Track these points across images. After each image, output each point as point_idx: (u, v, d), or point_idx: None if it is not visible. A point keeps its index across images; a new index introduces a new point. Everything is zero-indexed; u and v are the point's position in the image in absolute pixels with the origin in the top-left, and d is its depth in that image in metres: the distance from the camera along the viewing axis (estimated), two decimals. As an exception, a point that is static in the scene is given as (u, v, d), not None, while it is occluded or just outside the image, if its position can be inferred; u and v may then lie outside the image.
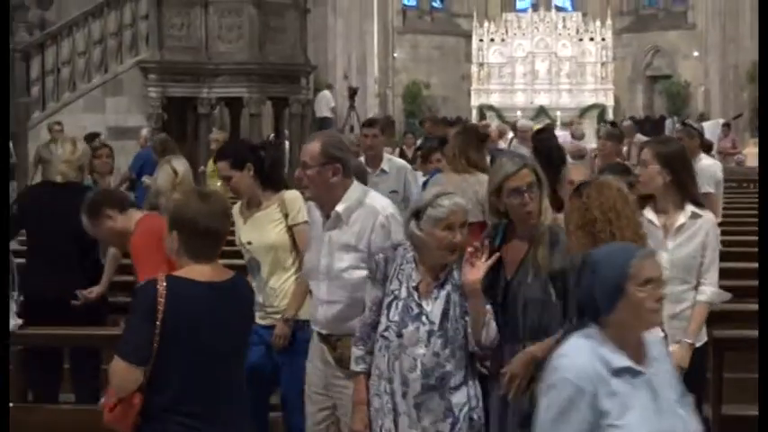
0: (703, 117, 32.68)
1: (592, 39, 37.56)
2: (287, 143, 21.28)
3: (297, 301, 6.52)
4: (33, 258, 7.63)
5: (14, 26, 20.01)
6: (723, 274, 6.36)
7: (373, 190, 6.09)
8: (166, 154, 11.52)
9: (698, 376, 6.03)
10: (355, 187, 5.77)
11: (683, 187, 6.04)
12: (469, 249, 4.95)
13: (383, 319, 5.21)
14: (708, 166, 9.97)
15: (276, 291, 6.62)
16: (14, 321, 6.88)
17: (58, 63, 19.42)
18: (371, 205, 5.71)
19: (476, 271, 4.93)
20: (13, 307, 6.92)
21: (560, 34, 37.69)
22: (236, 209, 6.70)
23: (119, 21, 19.44)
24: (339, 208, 5.68)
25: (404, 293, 5.17)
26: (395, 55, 38.42)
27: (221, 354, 4.46)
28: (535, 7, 39.45)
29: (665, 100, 37.63)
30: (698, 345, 6.08)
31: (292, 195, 6.77)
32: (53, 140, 16.44)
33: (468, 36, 38.65)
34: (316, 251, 5.84)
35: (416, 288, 5.15)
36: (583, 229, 4.61)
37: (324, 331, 5.81)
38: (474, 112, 36.82)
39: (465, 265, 4.96)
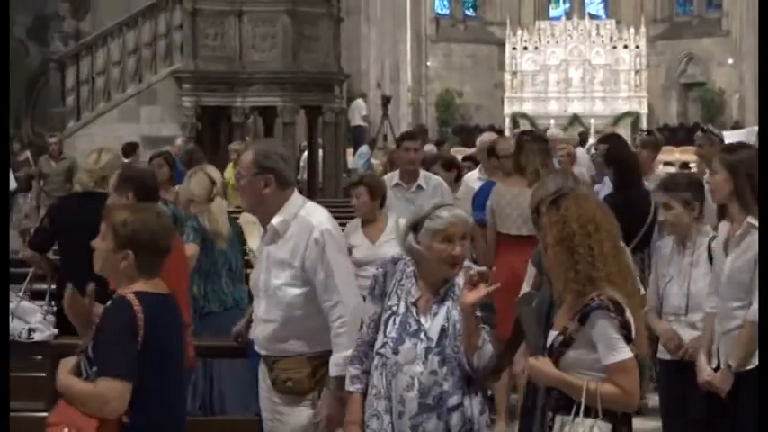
0: (738, 125, 32.55)
1: (625, 46, 37.52)
2: (320, 152, 21.29)
3: None
4: (65, 269, 7.67)
5: (50, 36, 20.18)
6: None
7: (311, 202, 5.76)
8: (193, 164, 11.50)
9: (747, 403, 5.61)
10: (294, 199, 5.53)
11: (741, 196, 5.76)
12: (472, 272, 4.77)
13: (380, 336, 5.00)
14: None
15: None
16: (50, 331, 6.92)
17: (93, 73, 19.50)
18: (307, 219, 5.46)
19: (475, 293, 4.71)
20: (50, 318, 6.96)
21: (594, 42, 37.67)
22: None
23: (153, 31, 19.51)
24: (275, 221, 5.47)
25: (402, 309, 4.96)
26: (428, 63, 38.47)
27: (182, 365, 4.69)
28: (568, 15, 39.43)
29: (699, 107, 37.47)
30: (747, 368, 5.66)
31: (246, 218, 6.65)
32: (51, 155, 16.86)
33: (502, 44, 38.68)
34: (257, 267, 5.72)
35: (415, 304, 4.95)
36: (561, 245, 4.39)
37: (262, 352, 5.61)
38: (507, 121, 36.81)
39: (465, 286, 4.76)
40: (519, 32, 38.30)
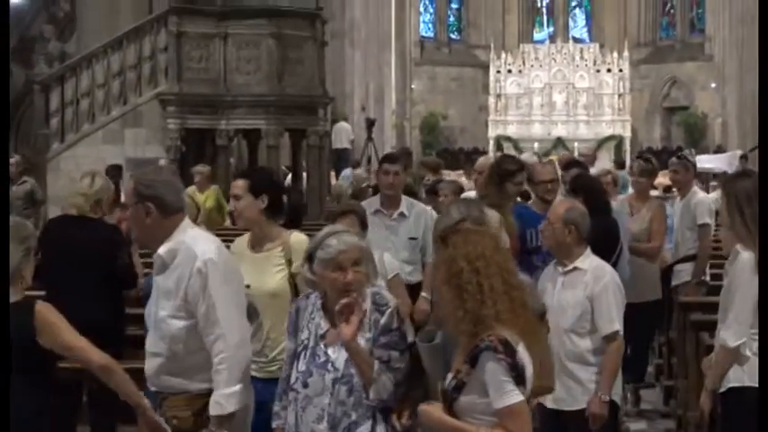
0: (720, 149, 32.72)
1: (609, 70, 37.66)
2: (304, 175, 21.32)
3: None
4: (51, 290, 7.64)
5: (35, 58, 20.18)
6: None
7: (199, 229, 5.63)
8: None
9: (725, 421, 5.87)
10: (182, 227, 5.36)
11: (733, 224, 5.86)
12: (338, 306, 4.71)
13: (293, 372, 4.94)
14: (704, 199, 10.19)
15: (274, 342, 6.13)
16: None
17: (78, 95, 19.47)
18: (191, 249, 5.26)
19: (349, 327, 4.70)
20: None
21: (578, 65, 37.81)
22: (241, 243, 6.44)
23: (138, 53, 19.52)
24: (161, 250, 5.31)
25: (312, 342, 4.90)
26: (412, 86, 38.57)
27: None
28: (552, 38, 39.63)
29: (682, 131, 37.63)
30: (722, 389, 5.86)
31: (298, 239, 6.25)
32: (11, 178, 16.27)
33: (486, 67, 38.81)
34: (151, 298, 5.51)
35: (323, 336, 4.90)
36: (449, 283, 4.19)
37: (152, 388, 5.41)
38: (491, 143, 36.89)
39: (338, 321, 4.74)
40: (503, 56, 38.41)
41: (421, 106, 39.10)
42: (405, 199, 8.80)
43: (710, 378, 5.87)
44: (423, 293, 8.32)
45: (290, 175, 21.91)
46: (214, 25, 19.58)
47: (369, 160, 27.93)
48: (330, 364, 4.82)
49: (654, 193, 10.38)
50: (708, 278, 9.93)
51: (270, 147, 20.21)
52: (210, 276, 5.19)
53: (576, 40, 39.93)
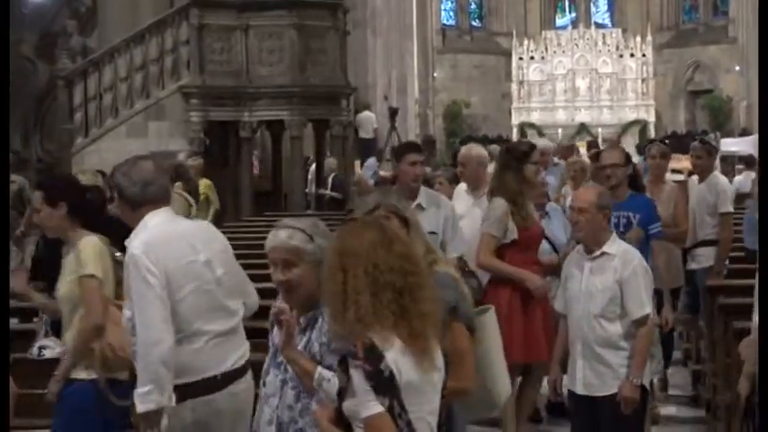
0: (745, 131, 32.56)
1: (632, 55, 37.56)
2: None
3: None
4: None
5: (57, 53, 20.21)
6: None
7: (153, 222, 5.46)
8: (178, 180, 11.38)
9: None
10: (146, 220, 5.43)
11: None
12: (272, 311, 4.61)
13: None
14: (727, 186, 10.16)
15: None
16: (60, 348, 6.90)
17: (101, 89, 19.52)
18: (131, 241, 5.34)
19: (281, 335, 4.58)
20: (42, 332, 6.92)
21: (600, 51, 37.71)
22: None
23: (160, 46, 19.54)
24: (126, 243, 5.41)
25: (276, 339, 4.72)
26: (435, 75, 38.52)
27: None
28: (575, 24, 39.50)
29: (706, 115, 37.46)
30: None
31: (86, 242, 6.04)
32: None
33: (508, 54, 38.74)
34: None
35: None
36: (324, 280, 3.98)
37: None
38: (515, 131, 36.85)
39: (276, 328, 4.66)
40: (525, 42, 38.35)
41: (444, 94, 39.05)
42: (423, 190, 7.98)
43: (750, 361, 5.69)
44: None
45: (313, 166, 21.90)
46: (235, 17, 19.56)
47: (392, 149, 27.92)
48: (283, 365, 4.67)
49: (679, 177, 10.28)
50: (727, 261, 9.88)
51: (293, 138, 20.21)
52: (131, 272, 5.23)
53: (599, 26, 39.79)
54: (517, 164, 7.98)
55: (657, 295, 7.71)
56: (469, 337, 4.46)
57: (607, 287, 6.39)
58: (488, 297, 7.67)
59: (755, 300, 5.80)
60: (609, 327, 6.39)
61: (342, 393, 3.87)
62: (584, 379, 6.43)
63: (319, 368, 4.42)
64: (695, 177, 10.31)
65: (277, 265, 4.63)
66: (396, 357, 3.78)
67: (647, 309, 6.44)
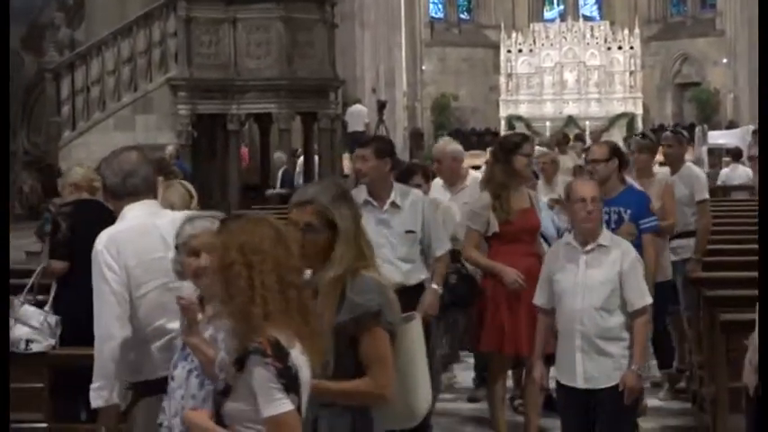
0: (732, 124, 32.63)
1: (620, 47, 37.61)
2: (316, 158, 21.31)
3: None
4: (72, 277, 7.57)
5: (45, 46, 20.18)
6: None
7: (129, 215, 5.49)
8: (160, 174, 11.35)
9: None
10: (123, 212, 5.47)
11: None
12: (182, 301, 4.60)
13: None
14: (701, 174, 10.20)
15: None
16: (48, 342, 6.93)
17: (88, 82, 19.49)
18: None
19: (186, 323, 4.59)
20: (50, 321, 6.96)
21: (588, 44, 37.75)
22: None
23: (148, 39, 19.51)
24: None
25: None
26: (423, 67, 38.51)
27: None
28: (563, 17, 39.53)
29: (694, 107, 37.54)
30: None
31: None
32: None
33: (496, 47, 38.74)
34: None
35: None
36: (220, 275, 3.81)
37: None
38: (503, 123, 36.87)
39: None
40: (513, 35, 38.35)
41: (432, 87, 39.04)
42: (397, 187, 7.62)
43: (756, 353, 5.60)
44: (433, 285, 7.63)
45: (301, 158, 21.91)
46: (223, 10, 19.54)
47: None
48: (190, 356, 4.67)
49: (665, 170, 10.20)
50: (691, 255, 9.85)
51: (281, 131, 20.23)
52: (93, 267, 5.27)
53: (587, 18, 39.85)
54: (506, 156, 7.94)
55: None
56: (390, 344, 4.34)
57: (608, 279, 6.41)
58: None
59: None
60: (609, 319, 6.40)
61: (226, 392, 3.77)
62: (584, 373, 6.41)
63: (221, 353, 4.19)
64: (666, 169, 10.26)
65: (199, 252, 4.66)
66: (296, 357, 3.74)
67: (649, 299, 6.50)
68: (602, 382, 6.41)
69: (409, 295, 7.01)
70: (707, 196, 9.99)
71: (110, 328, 5.19)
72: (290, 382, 3.69)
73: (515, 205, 7.87)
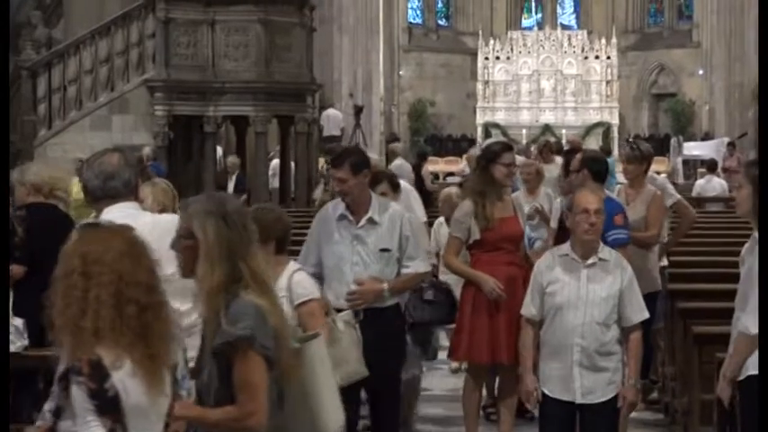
0: (707, 136, 32.78)
1: (597, 57, 37.72)
2: (292, 163, 21.27)
3: None
4: (32, 280, 7.53)
5: (21, 44, 20.08)
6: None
7: (111, 214, 5.29)
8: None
9: (744, 411, 5.68)
10: (102, 214, 5.36)
11: (753, 209, 5.63)
12: None
13: None
14: (663, 181, 10.21)
15: None
16: (21, 342, 6.89)
17: (65, 81, 19.43)
18: None
19: None
20: (14, 331, 6.90)
21: (566, 52, 37.85)
22: None
23: (126, 39, 19.46)
24: None
25: None
26: (400, 73, 38.54)
27: None
28: (540, 25, 39.62)
29: (669, 118, 37.68)
30: (741, 378, 5.67)
31: None
32: None
33: (474, 54, 38.79)
34: None
35: None
36: (59, 282, 3.66)
37: None
38: (479, 130, 36.92)
39: None
40: (491, 42, 38.42)
41: (409, 93, 39.06)
42: (376, 201, 7.13)
43: (730, 366, 5.74)
44: (384, 284, 6.98)
45: (274, 161, 21.85)
46: (202, 11, 19.51)
47: (357, 147, 27.93)
48: None
49: (660, 177, 10.11)
50: (666, 263, 9.79)
51: (258, 133, 20.21)
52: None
53: (564, 27, 39.95)
54: (486, 164, 7.91)
55: None
56: (265, 371, 4.17)
57: (611, 295, 6.39)
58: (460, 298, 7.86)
59: (737, 305, 5.81)
60: (607, 333, 6.39)
61: (59, 412, 3.66)
62: (582, 387, 6.37)
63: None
64: (663, 177, 10.23)
65: None
66: (124, 378, 3.59)
67: (646, 313, 6.53)
68: (599, 396, 6.39)
69: (382, 318, 6.91)
70: (677, 196, 9.99)
71: None
72: (104, 404, 3.54)
73: (497, 213, 7.80)
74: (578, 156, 8.82)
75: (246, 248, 4.30)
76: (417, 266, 7.08)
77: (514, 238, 7.96)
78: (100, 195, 5.41)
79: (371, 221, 6.99)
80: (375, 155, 21.03)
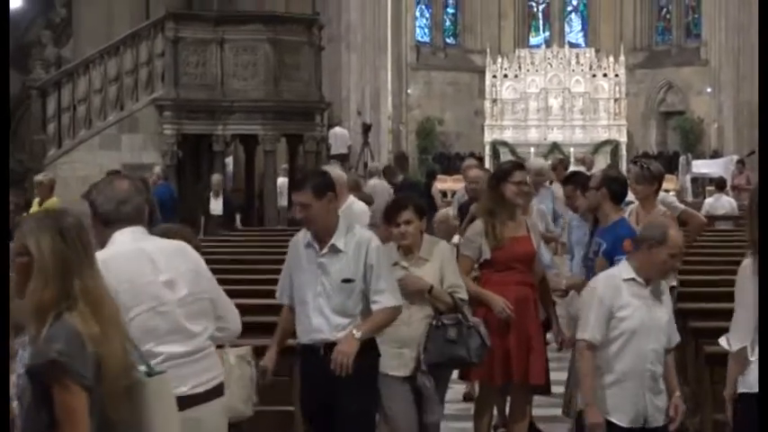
0: (716, 153, 32.74)
1: (605, 75, 37.75)
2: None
3: None
4: None
5: (31, 63, 20.14)
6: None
7: (118, 242, 5.26)
8: None
9: (741, 426, 5.80)
10: (113, 238, 5.25)
11: (751, 228, 5.75)
12: None
13: None
14: (665, 196, 10.10)
15: None
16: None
17: (75, 101, 19.46)
18: None
19: None
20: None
21: (573, 70, 37.88)
22: None
23: (135, 59, 19.51)
24: None
25: None
26: (408, 91, 38.57)
27: None
28: (548, 43, 39.68)
29: (678, 136, 37.65)
30: (738, 392, 5.77)
31: None
32: None
33: (482, 72, 38.83)
34: None
35: None
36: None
37: None
38: (487, 148, 36.94)
39: None
40: (499, 60, 38.46)
41: (417, 111, 39.10)
42: (343, 226, 6.43)
43: (727, 384, 5.86)
44: (354, 330, 6.29)
45: (280, 179, 21.78)
46: (211, 31, 19.57)
47: (365, 165, 27.94)
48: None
49: (669, 196, 9.96)
50: (676, 283, 9.71)
51: (267, 152, 20.23)
52: None
53: (572, 45, 39.97)
54: (497, 183, 7.85)
55: None
56: (84, 399, 4.01)
57: (670, 318, 6.38)
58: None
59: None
60: (665, 356, 6.38)
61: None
62: (651, 413, 6.27)
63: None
64: (672, 196, 10.14)
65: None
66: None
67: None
68: (661, 419, 6.33)
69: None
70: (681, 206, 9.90)
71: None
72: None
73: (508, 233, 7.73)
74: (598, 174, 8.71)
75: (83, 266, 4.21)
76: (387, 300, 6.34)
77: (526, 258, 7.83)
78: (113, 219, 5.31)
79: (334, 249, 6.33)
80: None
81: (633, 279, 6.25)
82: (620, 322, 6.20)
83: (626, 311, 6.20)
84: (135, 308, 5.18)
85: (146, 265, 5.28)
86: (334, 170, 9.16)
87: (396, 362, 6.87)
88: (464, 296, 7.08)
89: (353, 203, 10.26)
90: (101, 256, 5.06)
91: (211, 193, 18.60)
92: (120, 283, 5.09)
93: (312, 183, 6.35)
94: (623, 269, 6.33)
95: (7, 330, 4.69)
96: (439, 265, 7.02)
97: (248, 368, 6.12)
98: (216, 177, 19.04)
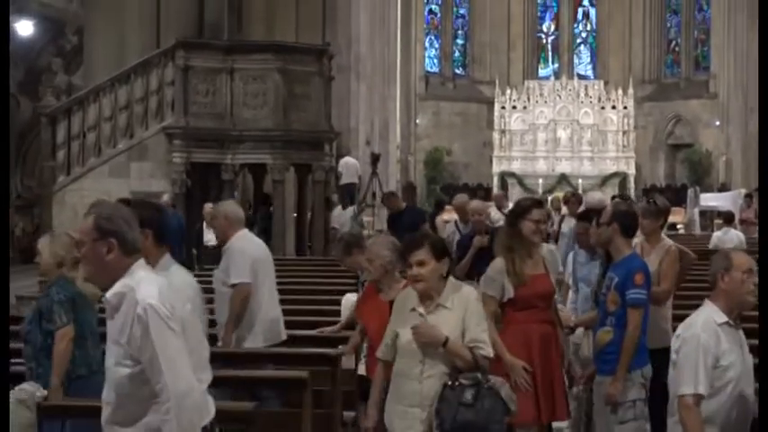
0: (724, 187, 32.73)
1: (614, 107, 37.81)
2: (309, 213, 21.25)
3: None
4: None
5: (42, 90, 20.21)
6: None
7: (150, 273, 5.15)
8: None
9: None
10: (134, 269, 5.05)
11: None
12: None
13: None
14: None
15: None
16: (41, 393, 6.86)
17: (84, 128, 19.47)
18: (134, 293, 4.92)
19: None
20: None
21: (582, 102, 37.95)
22: None
23: (145, 87, 19.55)
24: (109, 294, 4.99)
25: None
26: (417, 121, 38.65)
27: None
28: (557, 75, 39.78)
29: (686, 169, 37.67)
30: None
31: None
32: None
33: (491, 103, 38.92)
34: None
35: None
36: None
37: None
38: (495, 179, 36.95)
39: None
40: (508, 91, 38.55)
41: (425, 141, 39.18)
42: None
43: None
44: None
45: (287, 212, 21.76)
46: (221, 60, 19.63)
47: (374, 195, 27.97)
48: None
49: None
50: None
51: (275, 181, 20.24)
52: (151, 323, 4.87)
53: (581, 77, 40.07)
54: (515, 220, 7.62)
55: None
56: None
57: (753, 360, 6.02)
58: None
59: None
60: None
61: None
62: None
63: None
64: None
65: None
66: None
67: None
68: None
69: None
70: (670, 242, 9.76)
71: (189, 380, 4.96)
72: None
73: (528, 270, 7.47)
74: (609, 208, 8.65)
75: None
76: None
77: (546, 296, 7.60)
78: (137, 248, 5.15)
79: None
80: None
81: (726, 322, 5.82)
82: (725, 371, 5.77)
83: (729, 358, 5.78)
84: (192, 336, 5.21)
85: (182, 296, 5.37)
86: (230, 205, 9.35)
87: (400, 422, 6.27)
88: (488, 353, 6.27)
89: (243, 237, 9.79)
90: (150, 288, 4.97)
91: (204, 224, 18.14)
92: (178, 311, 5.05)
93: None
94: (713, 313, 5.84)
95: (7, 330, 4.68)
96: (462, 314, 6.25)
97: (26, 412, 6.11)
98: (208, 207, 18.12)
